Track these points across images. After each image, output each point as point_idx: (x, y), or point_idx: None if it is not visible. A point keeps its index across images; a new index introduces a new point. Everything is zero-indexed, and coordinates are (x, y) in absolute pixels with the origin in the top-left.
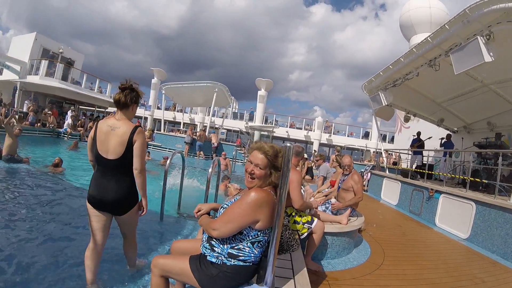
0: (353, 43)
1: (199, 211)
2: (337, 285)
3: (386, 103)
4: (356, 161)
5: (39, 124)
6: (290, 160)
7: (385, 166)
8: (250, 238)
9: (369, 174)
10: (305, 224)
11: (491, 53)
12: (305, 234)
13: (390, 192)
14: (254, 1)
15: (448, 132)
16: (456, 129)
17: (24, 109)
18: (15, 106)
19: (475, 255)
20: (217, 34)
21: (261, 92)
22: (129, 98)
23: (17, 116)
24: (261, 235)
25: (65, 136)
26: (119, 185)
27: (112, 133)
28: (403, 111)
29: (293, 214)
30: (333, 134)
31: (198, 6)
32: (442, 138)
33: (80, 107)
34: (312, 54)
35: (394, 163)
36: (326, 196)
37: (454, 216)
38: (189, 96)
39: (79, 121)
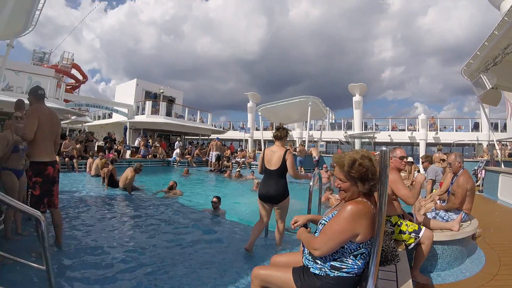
0: (439, 25)
1: (296, 222)
2: None
3: (490, 86)
4: (468, 159)
5: (150, 156)
6: (387, 165)
7: (499, 160)
8: (352, 251)
9: (483, 171)
10: (412, 234)
11: None
12: (413, 244)
13: (509, 190)
14: (328, 7)
15: None
16: None
17: (135, 144)
18: (127, 143)
19: None
20: (300, 48)
21: (356, 98)
22: (282, 133)
23: (129, 151)
24: (363, 247)
25: (175, 164)
26: (277, 185)
27: (273, 154)
28: (511, 92)
29: (399, 223)
30: (440, 131)
31: (275, 26)
32: None
33: (185, 137)
34: (400, 46)
35: (510, 155)
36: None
37: None
38: (285, 113)
39: (186, 150)
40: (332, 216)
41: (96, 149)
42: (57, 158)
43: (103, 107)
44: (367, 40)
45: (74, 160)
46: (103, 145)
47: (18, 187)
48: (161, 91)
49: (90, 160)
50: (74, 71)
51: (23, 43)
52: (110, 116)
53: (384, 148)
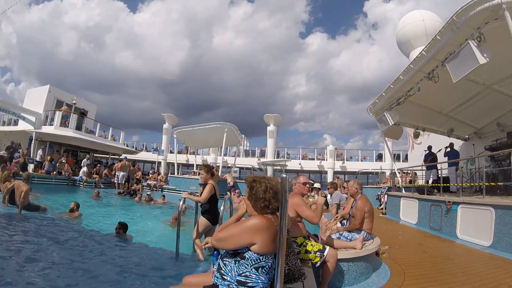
0: (350, 66)
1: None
2: None
3: (393, 123)
4: (371, 185)
5: (55, 172)
6: (286, 191)
7: (400, 186)
8: (253, 262)
9: (386, 196)
10: (317, 253)
11: (484, 54)
12: (319, 262)
13: (409, 211)
14: (252, 39)
15: (451, 141)
16: (467, 136)
17: (37, 158)
18: (31, 155)
19: (499, 261)
20: (220, 74)
21: (270, 128)
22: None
23: (32, 165)
24: (263, 260)
25: (81, 184)
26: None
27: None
28: (412, 128)
29: (305, 243)
30: (346, 160)
31: (198, 51)
32: (446, 147)
33: (94, 155)
34: (313, 83)
35: (410, 182)
36: (337, 218)
37: (475, 225)
38: (200, 138)
39: (94, 169)
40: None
41: None
42: None
43: (9, 111)
44: (284, 74)
45: None
46: (6, 155)
47: None
48: (73, 101)
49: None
50: None
51: None
52: (16, 123)
53: (284, 175)
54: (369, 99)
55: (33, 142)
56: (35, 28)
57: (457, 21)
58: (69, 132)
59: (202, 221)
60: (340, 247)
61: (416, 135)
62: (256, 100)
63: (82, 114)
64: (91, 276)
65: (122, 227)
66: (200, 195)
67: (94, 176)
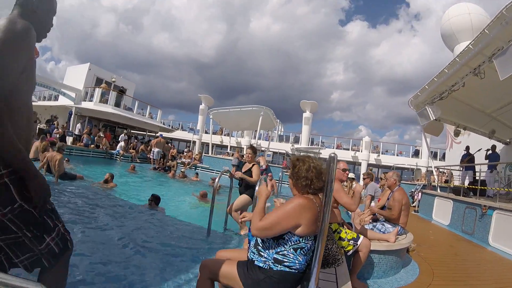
0: (390, 57)
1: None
2: None
3: (434, 118)
4: (406, 181)
5: (93, 146)
6: (334, 169)
7: (436, 185)
8: (292, 243)
9: (419, 194)
10: (351, 241)
11: None
12: (351, 251)
13: (442, 211)
14: (290, 26)
15: (494, 143)
16: (508, 140)
17: (76, 132)
18: (70, 129)
19: None
20: (255, 59)
21: (306, 114)
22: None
23: (71, 138)
24: (303, 241)
25: (118, 158)
26: None
27: None
28: (452, 125)
29: (339, 230)
30: (382, 153)
31: (235, 35)
32: (487, 150)
33: (131, 131)
34: (350, 72)
35: (446, 181)
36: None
37: (510, 233)
38: (236, 120)
39: (131, 144)
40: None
41: (37, 131)
42: None
43: (50, 87)
44: (321, 62)
45: None
46: (45, 128)
47: None
48: (113, 79)
49: None
50: None
51: None
52: (56, 98)
53: (333, 154)
54: (408, 93)
55: (72, 116)
56: (74, 10)
57: (506, 16)
58: (108, 108)
59: (245, 198)
60: (373, 239)
61: (457, 134)
62: (291, 86)
63: (121, 91)
64: (123, 243)
65: (155, 199)
66: (232, 175)
67: (131, 151)
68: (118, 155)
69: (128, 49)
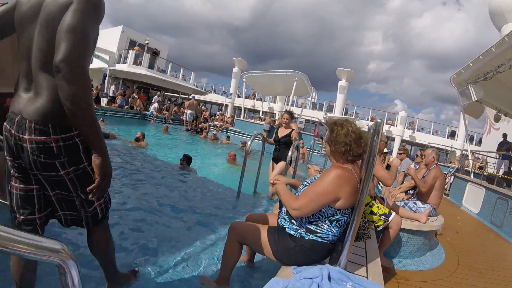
0: (431, 30)
1: (276, 180)
2: (406, 285)
3: (475, 99)
4: (440, 163)
5: (127, 107)
6: (379, 135)
7: (470, 170)
8: (328, 215)
9: (452, 177)
10: (382, 216)
11: None
12: (381, 226)
13: (473, 198)
14: None
15: None
16: None
17: (110, 94)
18: (104, 91)
19: None
20: (289, 24)
21: (342, 83)
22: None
23: (105, 100)
24: (340, 214)
25: (151, 119)
26: None
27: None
28: (493, 110)
29: (371, 203)
30: (417, 130)
31: None
32: None
33: (165, 93)
34: (390, 43)
35: (480, 168)
36: (402, 187)
37: None
38: (269, 84)
39: (165, 106)
40: (314, 179)
41: None
42: None
43: None
44: (358, 30)
45: None
46: None
47: None
48: (146, 42)
49: None
50: None
51: None
52: (90, 61)
53: (379, 120)
54: (447, 71)
55: (106, 78)
56: None
57: None
58: (142, 70)
59: (283, 165)
60: (404, 217)
61: (497, 119)
62: (325, 54)
63: (155, 53)
64: (152, 202)
65: (186, 159)
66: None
67: (164, 112)
68: (152, 116)
69: (160, 11)
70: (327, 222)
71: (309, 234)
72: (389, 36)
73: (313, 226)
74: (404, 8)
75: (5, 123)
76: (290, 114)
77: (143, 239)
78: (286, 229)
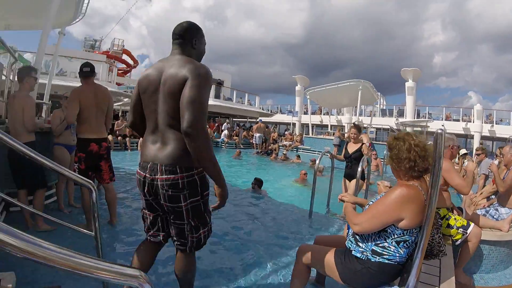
0: (491, 8)
1: (343, 197)
2: None
3: None
4: None
5: None
6: (441, 152)
7: None
8: (395, 236)
9: None
10: (460, 229)
11: None
12: (459, 240)
13: None
14: None
15: None
16: None
17: None
18: None
19: None
20: (344, 32)
21: (409, 84)
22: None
23: None
24: (407, 234)
25: (223, 145)
26: None
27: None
28: None
29: (448, 216)
30: (496, 123)
31: (319, 9)
32: None
33: (233, 119)
34: (450, 31)
35: None
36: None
37: None
38: (334, 97)
39: (234, 131)
40: (380, 197)
41: None
42: (110, 137)
43: None
44: (416, 23)
45: (127, 139)
46: None
47: (69, 161)
48: None
49: (141, 139)
50: (125, 57)
51: (72, 33)
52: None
53: (440, 131)
54: None
55: None
56: (161, 17)
57: None
58: (209, 101)
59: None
60: (485, 227)
61: None
62: (387, 54)
63: (219, 84)
64: (227, 223)
65: (258, 183)
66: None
67: (234, 138)
68: (223, 143)
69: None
70: (393, 243)
71: (375, 256)
72: (448, 24)
73: (379, 248)
74: None
75: (138, 170)
76: (357, 127)
77: (218, 262)
78: (353, 251)
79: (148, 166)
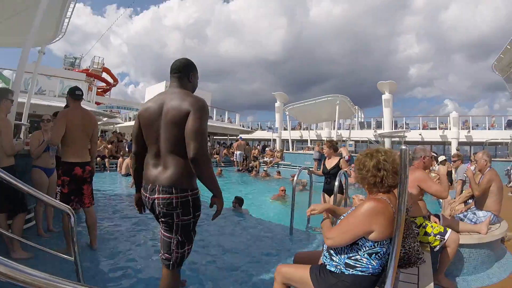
0: (462, 19)
1: (313, 210)
2: None
3: None
4: (500, 158)
5: None
6: (406, 165)
7: None
8: (367, 249)
9: None
10: (437, 236)
11: None
12: (438, 246)
13: None
14: (351, 4)
15: None
16: None
17: None
18: None
19: None
20: (323, 47)
21: (386, 96)
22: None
23: None
24: (378, 246)
25: None
26: None
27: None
28: None
29: (424, 224)
30: (472, 129)
31: (297, 27)
32: None
33: (214, 137)
34: (424, 42)
35: None
36: (461, 198)
37: None
38: (313, 113)
39: (214, 150)
40: (351, 211)
41: (126, 149)
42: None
43: (133, 109)
44: (392, 36)
45: (106, 160)
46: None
47: (47, 184)
48: None
49: (120, 159)
50: (104, 75)
51: (52, 49)
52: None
53: (403, 147)
54: (490, 56)
55: None
56: (141, 35)
57: None
58: None
59: (338, 197)
60: (464, 231)
61: None
62: (365, 68)
63: None
64: (210, 245)
65: (238, 201)
66: (312, 171)
67: (215, 156)
68: None
69: (198, 60)
70: (365, 255)
71: (349, 269)
72: (422, 36)
73: (352, 260)
74: (429, 3)
75: (142, 191)
76: (330, 143)
77: (195, 280)
78: (327, 266)
79: (149, 187)
